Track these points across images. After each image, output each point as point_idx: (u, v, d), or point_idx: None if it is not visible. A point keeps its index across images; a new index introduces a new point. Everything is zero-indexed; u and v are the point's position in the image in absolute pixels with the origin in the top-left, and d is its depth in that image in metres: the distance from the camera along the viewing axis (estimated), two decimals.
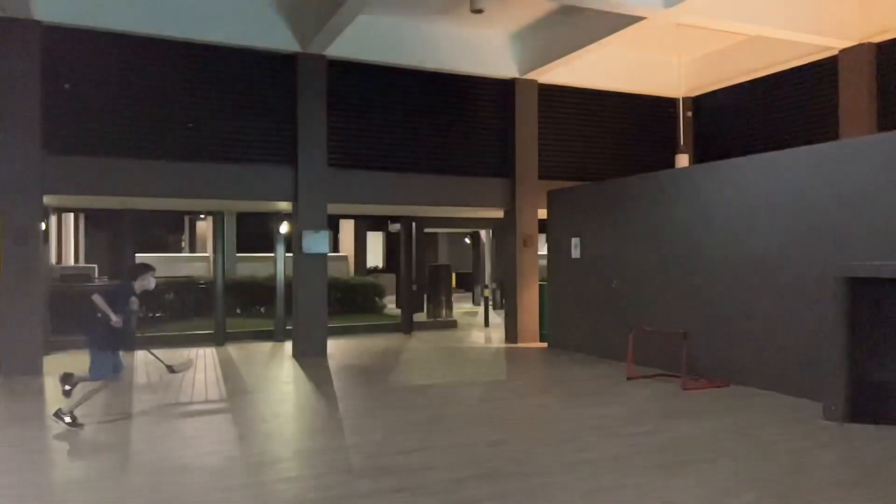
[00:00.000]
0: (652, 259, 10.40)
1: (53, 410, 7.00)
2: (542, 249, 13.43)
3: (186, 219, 26.02)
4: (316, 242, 11.65)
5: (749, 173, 8.91)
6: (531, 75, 13.14)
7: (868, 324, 6.98)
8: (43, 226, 10.83)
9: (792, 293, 8.19)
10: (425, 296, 17.84)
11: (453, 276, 19.96)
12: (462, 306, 21.47)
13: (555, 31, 12.18)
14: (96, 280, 17.20)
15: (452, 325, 16.79)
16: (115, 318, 6.83)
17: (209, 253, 20.51)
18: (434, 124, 12.86)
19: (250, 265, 19.13)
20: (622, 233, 11.02)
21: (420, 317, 16.93)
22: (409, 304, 15.72)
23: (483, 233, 22.54)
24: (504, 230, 13.84)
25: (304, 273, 11.71)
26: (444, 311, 17.65)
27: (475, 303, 22.59)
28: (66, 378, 7.09)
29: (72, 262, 20.21)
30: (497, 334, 14.71)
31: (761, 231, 8.66)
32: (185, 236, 27.21)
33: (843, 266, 7.15)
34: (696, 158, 14.11)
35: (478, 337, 14.82)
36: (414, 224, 16.05)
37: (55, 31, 10.30)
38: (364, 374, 10.24)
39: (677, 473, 5.47)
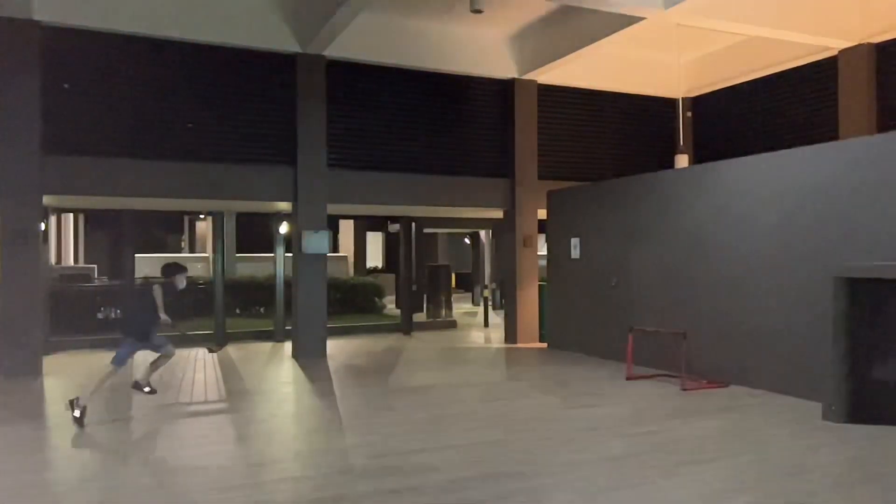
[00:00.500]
0: (651, 259, 10.40)
1: (68, 404, 7.23)
2: (542, 250, 13.43)
3: (186, 219, 26.02)
4: (316, 243, 11.64)
5: (749, 173, 8.91)
6: (531, 75, 13.14)
7: (868, 324, 6.98)
8: (42, 226, 10.83)
9: (792, 293, 8.19)
10: (425, 296, 17.85)
11: (453, 276, 19.98)
12: (462, 306, 21.47)
13: (554, 31, 12.18)
14: (96, 280, 17.21)
15: (452, 325, 16.79)
16: (164, 316, 7.42)
17: (209, 253, 20.51)
18: (433, 124, 12.86)
19: (250, 265, 19.14)
20: (622, 233, 11.02)
21: (420, 317, 16.94)
22: (408, 304, 15.72)
23: (483, 233, 22.55)
24: (504, 230, 13.84)
25: (304, 273, 11.71)
26: (443, 312, 17.65)
27: (475, 303, 22.59)
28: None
29: (71, 263, 20.22)
30: (497, 334, 14.71)
31: (761, 231, 8.65)
32: (185, 236, 27.21)
33: (843, 266, 7.15)
34: (696, 159, 14.11)
35: (477, 337, 14.81)
36: (413, 224, 16.05)
37: (54, 32, 10.29)
38: (364, 375, 10.23)
39: (677, 474, 5.47)
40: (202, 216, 23.85)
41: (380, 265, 28.54)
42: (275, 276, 14.21)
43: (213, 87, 11.33)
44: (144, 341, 7.50)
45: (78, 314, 13.76)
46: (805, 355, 7.90)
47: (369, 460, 5.90)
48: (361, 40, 11.75)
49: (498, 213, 13.76)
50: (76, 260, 21.09)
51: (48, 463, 6.12)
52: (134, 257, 13.37)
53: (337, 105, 11.98)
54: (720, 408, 7.74)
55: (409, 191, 12.62)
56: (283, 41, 11.39)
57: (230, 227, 18.75)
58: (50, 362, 10.89)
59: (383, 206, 13.41)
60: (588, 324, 11.77)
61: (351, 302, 17.33)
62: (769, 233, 8.54)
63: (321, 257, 11.81)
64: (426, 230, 18.45)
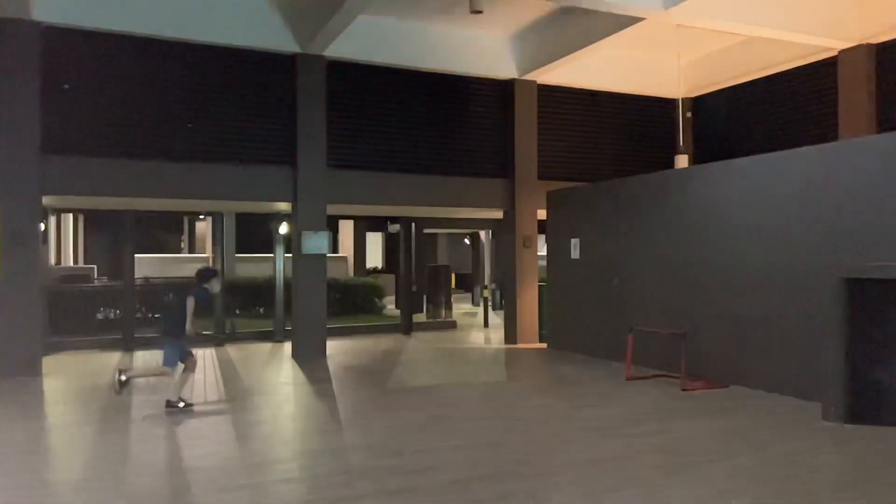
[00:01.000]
0: (651, 260, 10.39)
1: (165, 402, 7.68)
2: (542, 250, 13.43)
3: (186, 219, 26.00)
4: (315, 243, 11.64)
5: (749, 174, 8.91)
6: (530, 76, 13.14)
7: (868, 324, 6.98)
8: (42, 226, 10.83)
9: (792, 293, 8.19)
10: (425, 296, 17.85)
11: (453, 276, 19.97)
12: (461, 307, 21.48)
13: (554, 31, 12.18)
14: (95, 281, 17.20)
15: (452, 325, 16.79)
16: (190, 328, 7.64)
17: (209, 253, 20.50)
18: (433, 125, 12.86)
19: (250, 266, 19.13)
20: (622, 233, 11.01)
21: (419, 317, 16.93)
22: (408, 304, 15.72)
23: (482, 233, 22.54)
24: (503, 231, 13.84)
25: (304, 274, 11.70)
26: (443, 312, 17.65)
27: (475, 303, 22.59)
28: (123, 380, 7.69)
29: (71, 263, 20.21)
30: (496, 335, 14.70)
31: (761, 231, 8.65)
32: (185, 237, 27.20)
33: (844, 266, 7.15)
34: (696, 159, 14.11)
35: (477, 338, 14.81)
36: (413, 225, 16.05)
37: (54, 32, 10.29)
38: (364, 375, 10.23)
39: (677, 474, 5.46)
40: (202, 216, 23.83)
41: (380, 266, 28.53)
42: (274, 276, 14.20)
43: (212, 87, 11.32)
44: (181, 338, 7.69)
45: (77, 314, 13.76)
46: (805, 355, 7.90)
47: (369, 461, 5.89)
48: (361, 40, 11.75)
49: (498, 214, 13.76)
50: (76, 260, 21.08)
51: (48, 463, 6.11)
52: (133, 258, 13.36)
53: (337, 105, 11.98)
54: (720, 408, 7.74)
55: (408, 191, 12.61)
56: (283, 41, 11.39)
57: (230, 227, 18.74)
58: (49, 362, 10.88)
59: (383, 206, 13.41)
60: (588, 324, 11.77)
61: (351, 302, 17.33)
62: (769, 233, 8.54)
63: (321, 258, 11.80)
64: (426, 230, 18.45)
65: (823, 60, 12.09)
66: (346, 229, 25.55)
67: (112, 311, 14.30)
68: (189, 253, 26.01)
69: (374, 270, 26.29)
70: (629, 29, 10.67)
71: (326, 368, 10.71)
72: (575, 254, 12.13)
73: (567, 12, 11.46)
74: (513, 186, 13.26)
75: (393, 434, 6.75)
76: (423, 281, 17.63)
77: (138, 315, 13.97)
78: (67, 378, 9.92)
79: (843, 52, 11.60)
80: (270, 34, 11.33)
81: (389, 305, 19.17)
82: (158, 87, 11.02)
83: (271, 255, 14.60)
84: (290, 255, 12.26)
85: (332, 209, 12.17)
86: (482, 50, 12.86)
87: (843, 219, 7.64)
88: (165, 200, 12.00)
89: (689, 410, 7.68)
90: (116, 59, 10.81)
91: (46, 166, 10.20)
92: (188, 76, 11.21)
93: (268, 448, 6.51)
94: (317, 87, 11.66)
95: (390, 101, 12.51)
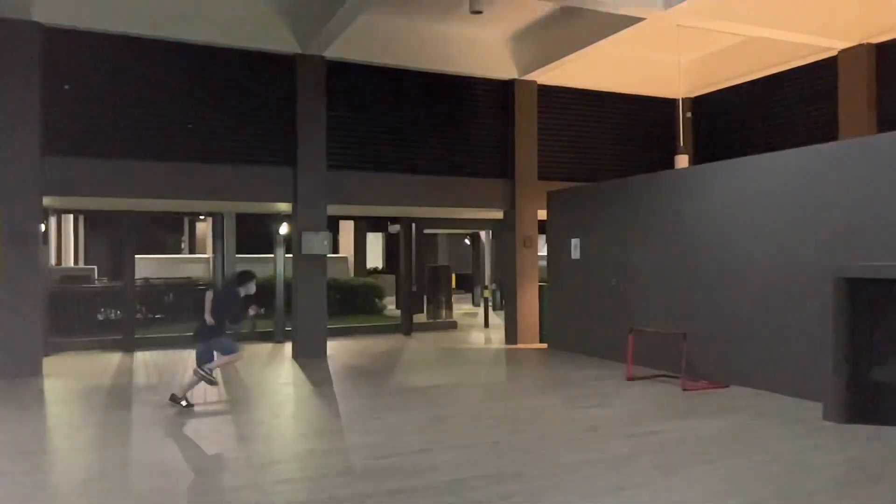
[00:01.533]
0: (651, 260, 10.39)
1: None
2: (542, 250, 13.43)
3: (186, 220, 26.00)
4: (315, 244, 11.64)
5: (749, 173, 8.91)
6: (530, 76, 13.14)
7: (867, 324, 6.98)
8: (42, 227, 10.83)
9: (792, 293, 8.18)
10: (425, 297, 17.84)
11: (453, 277, 19.95)
12: (462, 307, 21.47)
13: (554, 32, 12.17)
14: (96, 281, 17.21)
15: (452, 326, 16.79)
16: (209, 319, 7.96)
17: (209, 254, 20.50)
18: (433, 125, 12.86)
19: (250, 266, 19.09)
20: (622, 233, 11.02)
21: (420, 318, 16.93)
22: (408, 305, 15.72)
23: (483, 234, 22.54)
24: (504, 231, 13.84)
25: (304, 274, 11.70)
26: (443, 312, 17.64)
27: (475, 304, 22.59)
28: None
29: (71, 264, 20.22)
30: (497, 335, 14.70)
31: (761, 231, 8.65)
32: (185, 237, 27.19)
33: (843, 266, 7.14)
34: (696, 159, 14.11)
35: (478, 338, 14.81)
36: (414, 225, 16.05)
37: (54, 33, 10.30)
38: (364, 376, 10.23)
39: (677, 474, 5.46)
40: (202, 217, 23.83)
41: (380, 266, 28.53)
42: (275, 277, 14.20)
43: (213, 88, 11.33)
44: (224, 333, 8.03)
45: (78, 315, 13.76)
46: (805, 355, 7.90)
47: (370, 461, 5.89)
48: (361, 41, 11.76)
49: (498, 214, 13.76)
50: (76, 261, 21.09)
51: (49, 465, 6.11)
52: (134, 258, 13.37)
53: (337, 106, 11.98)
54: (720, 408, 7.74)
55: (409, 191, 12.62)
56: (283, 42, 11.40)
57: (230, 227, 18.73)
58: (50, 363, 10.89)
59: (383, 206, 13.41)
60: (588, 324, 11.77)
61: (351, 303, 17.33)
62: (769, 233, 8.54)
63: (321, 258, 11.81)
64: (426, 231, 18.44)
65: (823, 60, 12.09)
66: (347, 230, 25.54)
67: (112, 311, 14.31)
68: (189, 253, 26.01)
69: (375, 271, 26.30)
70: (629, 29, 10.67)
71: (327, 369, 10.72)
72: (575, 254, 12.13)
73: (567, 12, 11.46)
74: (513, 187, 13.26)
75: (393, 434, 6.75)
76: (423, 281, 17.63)
77: (139, 316, 13.99)
78: (68, 379, 9.92)
79: (843, 52, 11.59)
80: (271, 35, 11.33)
81: (390, 306, 19.17)
82: (159, 87, 11.03)
83: (272, 255, 14.60)
84: (291, 255, 12.26)
85: (332, 209, 12.17)
86: (482, 50, 12.86)
87: (843, 219, 7.64)
88: (166, 201, 12.00)
89: (690, 410, 7.69)
90: (116, 59, 10.81)
91: (47, 167, 10.21)
92: (189, 77, 11.21)
93: (268, 448, 6.51)
94: (317, 87, 11.67)
95: (390, 101, 12.51)
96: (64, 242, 20.06)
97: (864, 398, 6.92)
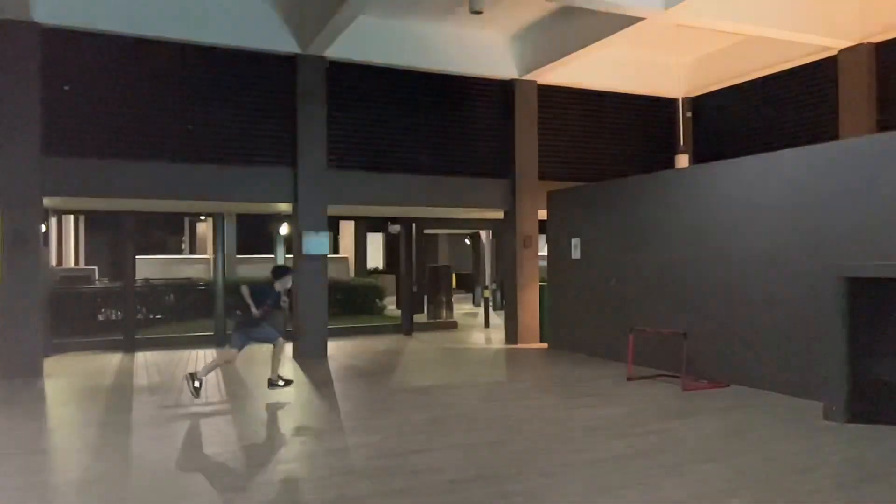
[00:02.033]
0: (652, 259, 10.40)
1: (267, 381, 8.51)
2: (542, 250, 13.43)
3: (186, 220, 26.01)
4: (316, 244, 11.65)
5: (749, 173, 8.91)
6: (531, 76, 13.14)
7: (868, 324, 6.98)
8: (43, 228, 10.83)
9: (792, 293, 8.19)
10: (425, 297, 17.84)
11: (453, 276, 19.96)
12: (462, 307, 21.48)
13: (554, 31, 12.18)
14: (96, 282, 17.21)
15: (453, 326, 16.79)
16: (256, 311, 8.15)
17: (209, 254, 20.51)
18: (434, 125, 12.86)
19: (250, 266, 19.12)
20: (622, 233, 11.02)
21: (420, 318, 16.93)
22: (409, 305, 15.72)
23: (483, 233, 22.55)
24: (504, 231, 13.84)
25: (305, 274, 11.71)
26: (444, 312, 17.65)
27: (475, 304, 22.59)
28: (192, 376, 8.12)
29: (72, 264, 20.21)
30: (497, 335, 14.71)
31: (761, 231, 8.65)
32: (186, 238, 27.20)
33: (843, 266, 7.14)
34: (696, 159, 14.11)
35: (478, 338, 14.82)
36: (414, 225, 16.05)
37: (54, 34, 10.30)
38: (365, 376, 10.23)
39: (678, 474, 5.47)
40: (202, 217, 23.83)
41: (380, 266, 28.52)
42: None
43: (213, 88, 11.33)
44: (263, 323, 8.30)
45: (79, 316, 13.77)
46: (805, 355, 7.90)
47: (370, 461, 5.90)
48: (362, 41, 11.76)
49: (498, 214, 13.76)
50: (77, 262, 21.07)
51: (49, 465, 6.11)
52: (134, 259, 13.37)
53: (337, 106, 11.98)
54: (721, 408, 7.74)
55: (409, 191, 12.62)
56: (283, 42, 11.40)
57: (230, 228, 18.75)
58: (51, 364, 10.89)
59: (383, 206, 13.42)
60: (589, 324, 11.77)
61: (351, 303, 17.33)
62: (769, 232, 8.54)
63: (321, 258, 11.81)
64: (426, 231, 18.44)
65: (823, 60, 12.09)
66: (347, 230, 25.52)
67: (113, 312, 14.31)
68: (190, 254, 26.01)
69: (375, 271, 26.30)
70: (629, 29, 10.67)
71: (327, 369, 10.72)
72: (575, 254, 12.13)
73: (567, 12, 11.47)
74: (513, 186, 13.27)
75: (394, 434, 6.76)
76: (423, 281, 17.63)
77: (139, 316, 13.99)
78: (69, 379, 9.93)
79: (843, 51, 11.60)
80: (271, 35, 11.33)
81: (390, 306, 19.17)
82: (159, 88, 11.03)
83: (272, 255, 14.61)
84: (291, 255, 12.26)
85: (332, 210, 12.17)
86: (482, 50, 12.87)
87: (844, 218, 7.64)
88: (166, 201, 12.00)
89: (690, 410, 7.69)
90: (116, 60, 10.82)
91: (47, 168, 10.21)
92: (188, 78, 11.21)
93: (268, 448, 6.52)
94: (317, 87, 11.67)
95: (390, 101, 12.51)
96: (64, 243, 20.04)
97: (864, 397, 6.92)
